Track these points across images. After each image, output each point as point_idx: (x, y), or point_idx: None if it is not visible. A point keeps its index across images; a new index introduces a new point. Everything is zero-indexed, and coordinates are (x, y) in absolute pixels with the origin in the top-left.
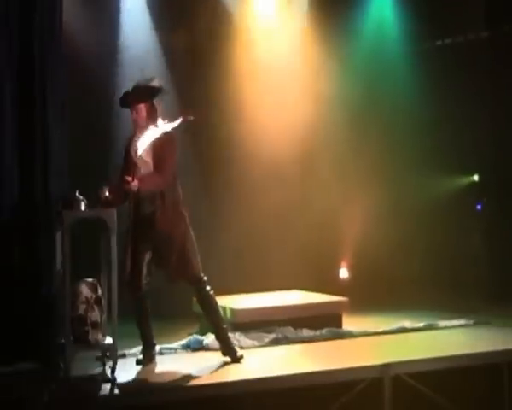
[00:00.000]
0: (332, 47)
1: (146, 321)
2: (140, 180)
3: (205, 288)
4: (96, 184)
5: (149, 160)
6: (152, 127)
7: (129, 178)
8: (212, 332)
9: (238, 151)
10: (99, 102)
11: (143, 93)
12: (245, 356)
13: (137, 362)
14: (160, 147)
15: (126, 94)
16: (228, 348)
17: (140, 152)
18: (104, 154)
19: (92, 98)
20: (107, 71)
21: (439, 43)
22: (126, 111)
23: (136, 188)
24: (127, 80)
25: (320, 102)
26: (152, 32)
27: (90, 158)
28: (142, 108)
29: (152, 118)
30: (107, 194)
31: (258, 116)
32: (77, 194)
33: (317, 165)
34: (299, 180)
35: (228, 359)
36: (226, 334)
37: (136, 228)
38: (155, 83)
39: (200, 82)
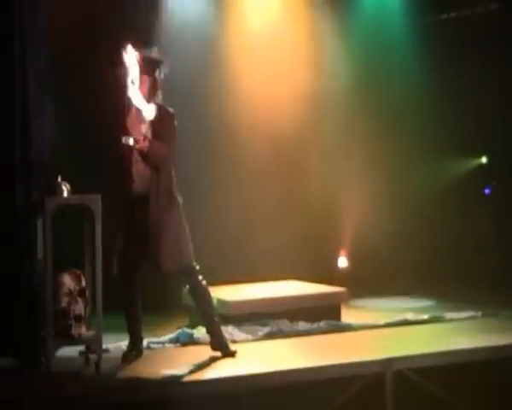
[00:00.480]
0: (330, 19)
1: (136, 313)
2: (149, 142)
3: (197, 278)
4: (80, 169)
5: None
6: (152, 103)
7: (140, 136)
8: (203, 325)
9: (232, 130)
10: (83, 84)
11: (147, 65)
12: (238, 351)
13: (124, 357)
14: (164, 123)
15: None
16: (219, 343)
17: (125, 137)
18: (88, 138)
19: (77, 81)
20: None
21: (443, 16)
22: None
23: (145, 148)
24: None
25: (316, 79)
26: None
27: (73, 142)
28: (145, 80)
29: (153, 92)
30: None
31: (251, 92)
32: (59, 179)
33: (314, 149)
34: (296, 165)
35: (218, 353)
36: (218, 327)
37: (129, 211)
38: (156, 55)
39: (186, 56)
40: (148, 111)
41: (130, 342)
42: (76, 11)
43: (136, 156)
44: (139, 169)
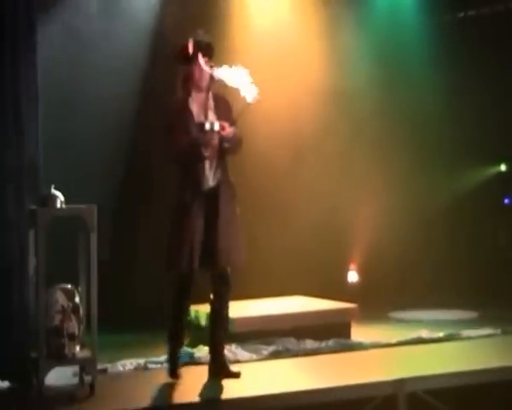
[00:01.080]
0: (343, 18)
1: (185, 319)
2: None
3: (230, 287)
4: (75, 179)
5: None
6: (209, 92)
7: (225, 124)
8: (209, 345)
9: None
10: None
11: (210, 48)
12: (242, 371)
13: (175, 374)
14: (226, 110)
15: (205, 42)
16: (220, 367)
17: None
18: (83, 145)
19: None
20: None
21: (460, 15)
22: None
23: (231, 134)
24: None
25: (328, 80)
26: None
27: (68, 150)
28: (211, 65)
29: (212, 79)
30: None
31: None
32: (52, 189)
33: (324, 158)
34: (304, 174)
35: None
36: (223, 351)
37: (195, 204)
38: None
39: None
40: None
41: (174, 355)
42: None
43: (203, 150)
44: (208, 163)
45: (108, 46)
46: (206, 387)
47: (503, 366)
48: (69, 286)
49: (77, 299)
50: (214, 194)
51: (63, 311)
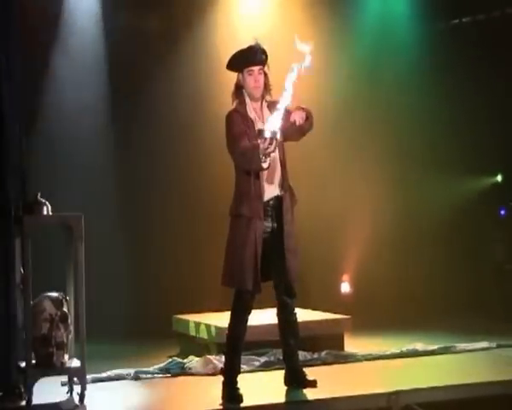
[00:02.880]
0: (334, 26)
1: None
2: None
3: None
4: (61, 185)
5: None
6: (263, 101)
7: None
8: (284, 353)
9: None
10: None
11: (266, 55)
12: None
13: (234, 399)
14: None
15: (255, 50)
16: (297, 377)
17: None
18: (70, 151)
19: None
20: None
21: (455, 22)
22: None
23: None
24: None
25: (318, 93)
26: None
27: (54, 155)
28: (265, 72)
29: (266, 89)
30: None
31: None
32: (39, 196)
33: (316, 170)
34: (298, 184)
35: (208, 384)
36: (298, 360)
37: (257, 216)
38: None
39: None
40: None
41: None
42: None
43: (263, 159)
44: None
45: None
46: (199, 399)
47: (498, 379)
48: (57, 295)
49: (65, 308)
50: (278, 205)
51: (51, 319)
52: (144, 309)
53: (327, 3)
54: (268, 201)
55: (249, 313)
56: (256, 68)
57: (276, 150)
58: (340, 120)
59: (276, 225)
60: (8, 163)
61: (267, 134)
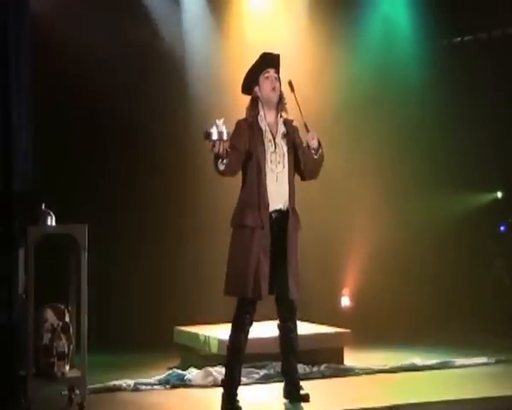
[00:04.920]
0: (334, 45)
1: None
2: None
3: (296, 315)
4: (69, 197)
5: (286, 154)
6: (279, 115)
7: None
8: (283, 366)
9: None
10: (70, 103)
11: (276, 61)
12: None
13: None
14: (301, 140)
15: (271, 55)
16: (293, 390)
17: (268, 140)
18: (78, 161)
19: (65, 95)
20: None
21: (456, 40)
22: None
23: (316, 144)
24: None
25: (322, 101)
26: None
27: (62, 166)
28: (279, 80)
29: (281, 99)
30: (225, 137)
31: None
32: (43, 206)
33: (315, 184)
34: (299, 196)
35: (209, 396)
36: (296, 374)
37: (259, 226)
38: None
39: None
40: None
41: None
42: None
43: (219, 162)
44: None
45: None
46: None
47: (497, 395)
48: (59, 305)
49: (67, 318)
50: (283, 219)
51: (53, 330)
52: (145, 320)
53: (329, 18)
54: (270, 213)
55: (250, 325)
56: (272, 71)
57: (285, 165)
58: (339, 134)
59: (278, 240)
60: (14, 174)
61: (214, 136)
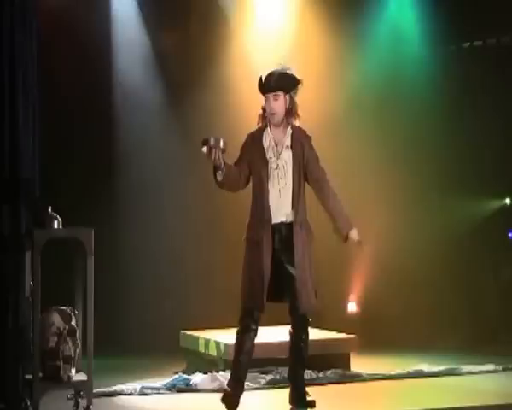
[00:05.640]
0: (341, 49)
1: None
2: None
3: (307, 328)
4: (76, 201)
5: (289, 166)
6: (287, 124)
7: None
8: (289, 373)
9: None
10: (77, 103)
11: (287, 80)
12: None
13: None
14: (312, 154)
15: (269, 76)
16: (298, 397)
17: (273, 153)
18: (85, 163)
19: (69, 99)
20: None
21: (465, 45)
22: (113, 114)
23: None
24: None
25: (326, 118)
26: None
27: (68, 169)
28: (281, 97)
29: (290, 114)
30: (222, 145)
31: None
32: (50, 210)
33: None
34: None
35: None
36: (303, 382)
37: (263, 238)
38: (293, 73)
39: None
40: (289, 139)
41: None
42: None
43: (218, 174)
44: (278, 202)
45: None
46: None
47: (504, 403)
48: (66, 308)
49: (73, 321)
50: (287, 232)
51: (59, 333)
52: (152, 324)
53: (338, 21)
54: (273, 226)
55: (252, 332)
56: (270, 95)
57: (288, 180)
58: (346, 143)
59: (284, 252)
60: (20, 177)
61: (211, 142)
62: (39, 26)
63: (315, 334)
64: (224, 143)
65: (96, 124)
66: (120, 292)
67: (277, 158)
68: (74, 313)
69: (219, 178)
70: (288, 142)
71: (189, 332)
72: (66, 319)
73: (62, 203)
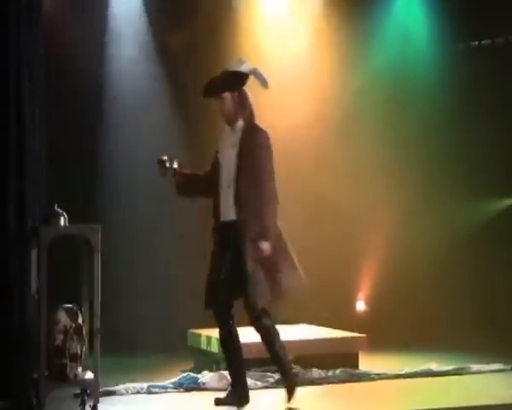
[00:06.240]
0: (350, 48)
1: (238, 352)
2: (267, 229)
3: (261, 316)
4: (80, 197)
5: (233, 166)
6: (241, 122)
7: (264, 245)
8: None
9: None
10: (84, 103)
11: (229, 80)
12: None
13: (219, 401)
14: (256, 152)
15: (211, 81)
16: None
17: (222, 153)
18: (89, 162)
19: (76, 99)
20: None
21: (474, 44)
22: (118, 114)
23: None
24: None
25: (336, 116)
26: (146, 27)
27: (72, 167)
28: (228, 97)
29: (240, 111)
30: (175, 165)
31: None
32: (56, 207)
33: (334, 187)
34: (315, 198)
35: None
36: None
37: (215, 237)
38: (245, 67)
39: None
40: (236, 136)
41: (232, 386)
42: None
43: (175, 187)
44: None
45: None
46: None
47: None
48: (72, 306)
49: (80, 319)
50: (230, 231)
51: (65, 331)
52: (159, 323)
53: (347, 19)
54: (222, 222)
55: (222, 329)
56: (217, 98)
57: (232, 180)
58: (355, 142)
59: (229, 251)
60: (26, 175)
61: (166, 164)
62: (45, 26)
63: (323, 333)
64: (178, 163)
65: (102, 123)
66: (127, 290)
67: (224, 157)
68: (81, 310)
69: (176, 191)
70: (234, 141)
71: (196, 331)
72: (73, 316)
73: (68, 201)
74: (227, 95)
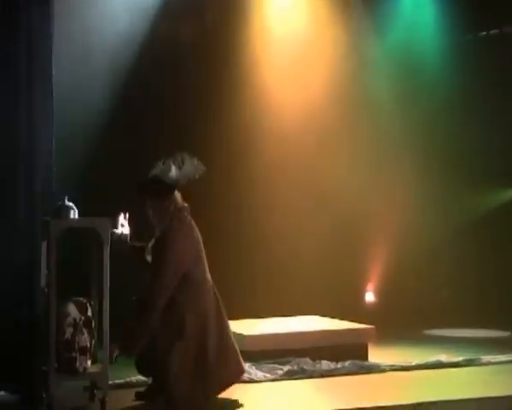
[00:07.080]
0: (359, 37)
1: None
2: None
3: None
4: (89, 188)
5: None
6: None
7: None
8: None
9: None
10: (92, 95)
11: (150, 189)
12: (255, 391)
13: (138, 395)
14: (157, 253)
15: (141, 182)
16: None
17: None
18: (99, 153)
19: (85, 89)
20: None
21: (482, 34)
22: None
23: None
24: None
25: (343, 104)
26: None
27: (81, 159)
28: (148, 205)
29: (161, 219)
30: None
31: (278, 109)
32: (66, 200)
33: (340, 179)
34: (324, 191)
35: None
36: None
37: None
38: (173, 174)
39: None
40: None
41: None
42: None
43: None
44: None
45: None
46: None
47: None
48: (82, 299)
49: (89, 312)
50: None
51: (75, 324)
52: None
53: (354, 8)
54: None
55: None
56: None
57: None
58: (364, 139)
59: None
60: (36, 166)
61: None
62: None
63: (332, 324)
64: (130, 236)
65: (113, 113)
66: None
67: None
68: (90, 303)
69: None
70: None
71: None
72: (82, 309)
73: (78, 193)
74: (147, 203)
